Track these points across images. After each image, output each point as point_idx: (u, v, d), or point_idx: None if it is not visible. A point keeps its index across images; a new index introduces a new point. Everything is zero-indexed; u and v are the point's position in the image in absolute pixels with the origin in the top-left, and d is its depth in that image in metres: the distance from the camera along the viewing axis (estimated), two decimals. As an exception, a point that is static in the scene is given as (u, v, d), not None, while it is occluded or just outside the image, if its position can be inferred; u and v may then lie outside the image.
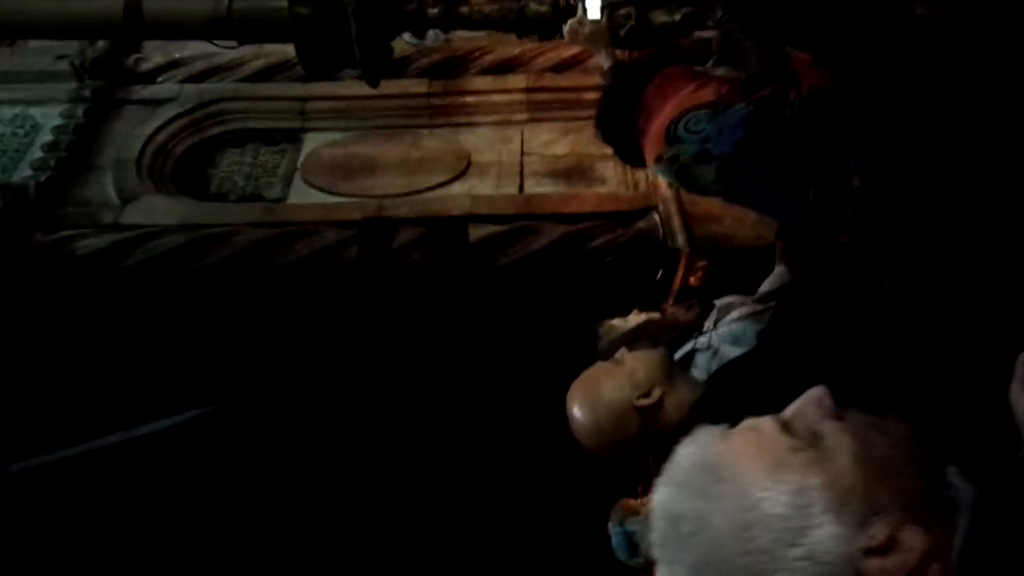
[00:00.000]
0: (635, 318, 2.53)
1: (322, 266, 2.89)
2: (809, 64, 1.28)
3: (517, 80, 3.81)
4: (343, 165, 3.38)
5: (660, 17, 2.65)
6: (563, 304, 2.90)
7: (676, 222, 3.02)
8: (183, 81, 3.58)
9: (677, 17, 2.60)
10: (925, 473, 0.79)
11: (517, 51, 3.84)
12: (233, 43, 2.78)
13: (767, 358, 1.44)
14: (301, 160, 3.41)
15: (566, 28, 2.35)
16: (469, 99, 3.77)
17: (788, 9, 1.34)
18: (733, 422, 1.35)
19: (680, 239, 3.01)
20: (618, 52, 2.35)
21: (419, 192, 3.29)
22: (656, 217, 3.09)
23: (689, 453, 0.83)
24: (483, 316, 2.89)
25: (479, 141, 3.66)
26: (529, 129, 3.72)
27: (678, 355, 1.87)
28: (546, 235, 3.08)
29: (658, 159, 1.48)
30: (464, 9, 2.83)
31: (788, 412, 0.83)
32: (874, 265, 1.39)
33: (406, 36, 3.66)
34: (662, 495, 0.82)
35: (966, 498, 0.78)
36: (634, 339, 2.17)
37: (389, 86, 3.65)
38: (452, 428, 2.72)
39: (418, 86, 3.75)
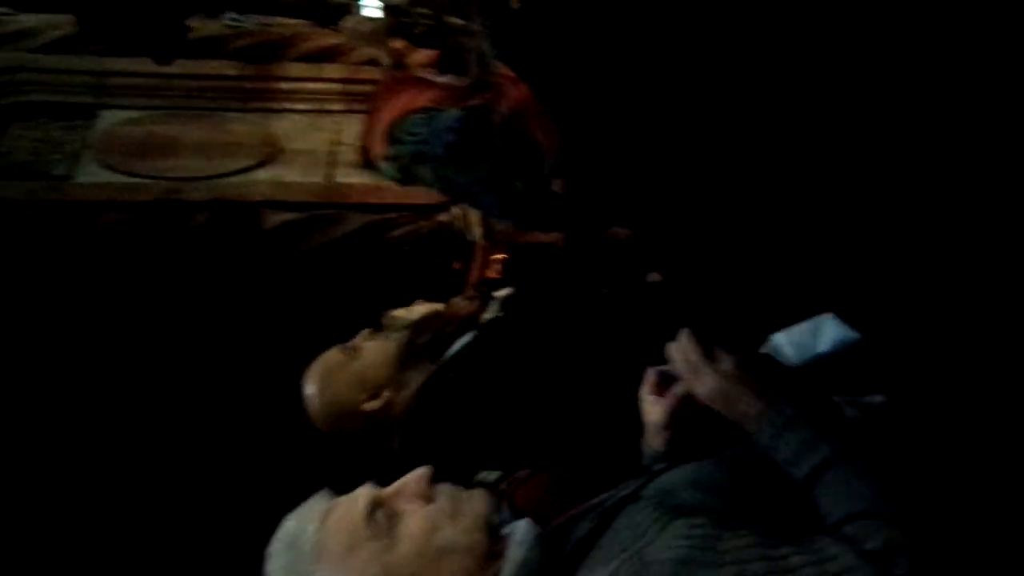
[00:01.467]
0: (419, 309, 2.58)
1: (103, 248, 2.79)
2: (512, 79, 1.37)
3: (335, 70, 3.77)
4: (140, 144, 3.25)
5: (454, 20, 2.72)
6: (361, 293, 2.91)
7: (474, 216, 3.09)
8: (-33, 48, 3.35)
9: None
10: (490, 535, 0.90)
11: (336, 41, 3.80)
12: (7, 9, 2.63)
13: (481, 348, 1.52)
14: (94, 137, 3.26)
15: (345, 25, 2.38)
16: (283, 85, 3.70)
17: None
18: (448, 411, 1.42)
19: (477, 232, 3.09)
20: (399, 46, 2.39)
21: (220, 176, 3.22)
22: (457, 210, 3.16)
23: (291, 526, 0.94)
24: (275, 302, 2.87)
25: (291, 128, 3.60)
26: (344, 119, 3.71)
27: (456, 347, 1.94)
28: (347, 224, 3.10)
29: (383, 156, 1.55)
30: (263, -8, 2.81)
31: (390, 488, 0.94)
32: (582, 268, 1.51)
33: (225, 17, 3.60)
34: (271, 552, 0.94)
35: (518, 536, 0.88)
36: (417, 330, 2.23)
37: (198, 66, 3.56)
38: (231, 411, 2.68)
39: (230, 68, 3.64)
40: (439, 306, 2.64)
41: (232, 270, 2.84)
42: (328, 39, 3.87)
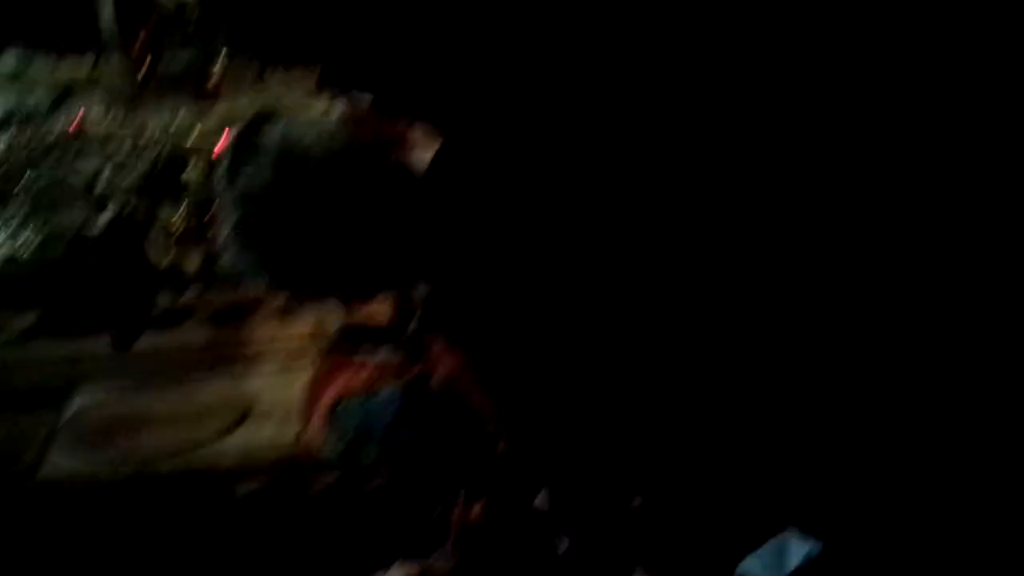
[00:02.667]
0: (395, 572, 2.49)
1: (75, 539, 2.72)
2: (444, 350, 1.42)
3: (303, 324, 3.87)
4: (107, 426, 3.25)
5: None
6: (339, 552, 2.83)
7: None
8: (-61, 347, 3.43)
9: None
10: None
11: (304, 297, 3.92)
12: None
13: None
14: (62, 422, 3.27)
15: None
16: (252, 345, 3.78)
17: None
18: None
19: (453, 477, 3.05)
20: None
21: (188, 449, 3.20)
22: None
23: None
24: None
25: (261, 387, 3.63)
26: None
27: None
28: (319, 482, 3.04)
29: (324, 441, 1.57)
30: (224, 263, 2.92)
31: None
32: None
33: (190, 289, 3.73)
34: None
35: None
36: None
37: (168, 337, 3.66)
38: None
39: (199, 334, 3.74)
40: (415, 569, 2.57)
41: (205, 545, 2.77)
42: (295, 295, 4.01)
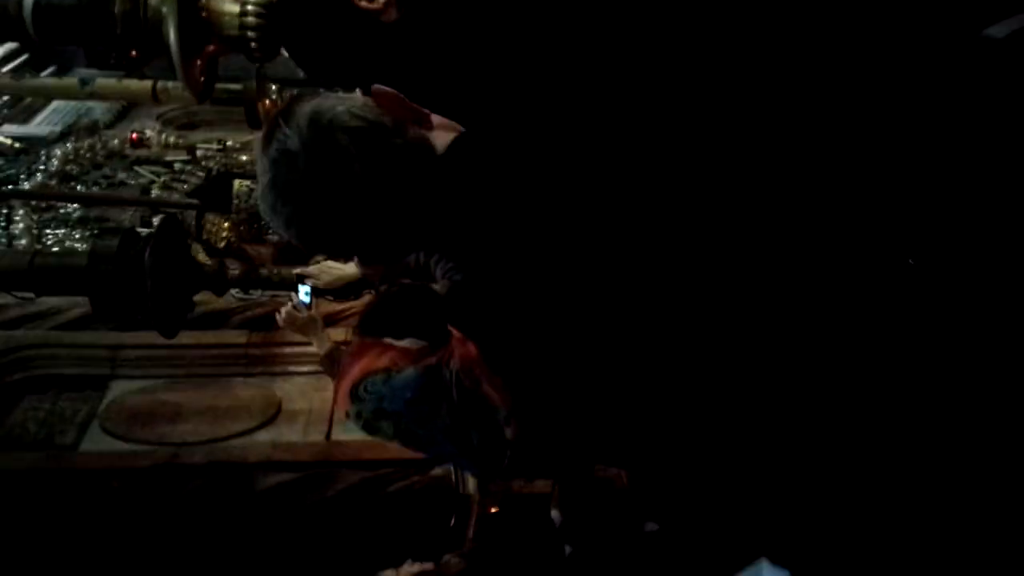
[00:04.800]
0: (408, 569, 2.56)
1: (105, 516, 2.83)
2: (459, 339, 1.51)
3: (336, 333, 3.99)
4: (145, 412, 3.40)
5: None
6: (357, 552, 2.90)
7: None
8: (-5, 329, 3.61)
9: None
10: None
11: (340, 307, 4.06)
12: (31, 295, 2.87)
13: None
14: (103, 407, 3.41)
15: (281, 316, 2.63)
16: (287, 350, 3.90)
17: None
18: None
19: (471, 485, 3.11)
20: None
21: (220, 440, 3.32)
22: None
23: None
24: (270, 564, 2.85)
25: (293, 389, 3.76)
26: (345, 378, 3.86)
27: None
28: (342, 481, 3.14)
29: (347, 414, 1.67)
30: (264, 271, 3.07)
31: None
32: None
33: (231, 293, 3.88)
34: None
35: None
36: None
37: (207, 336, 3.81)
38: None
39: (237, 337, 3.88)
40: (428, 566, 2.64)
41: (228, 533, 2.86)
42: (331, 307, 4.15)
